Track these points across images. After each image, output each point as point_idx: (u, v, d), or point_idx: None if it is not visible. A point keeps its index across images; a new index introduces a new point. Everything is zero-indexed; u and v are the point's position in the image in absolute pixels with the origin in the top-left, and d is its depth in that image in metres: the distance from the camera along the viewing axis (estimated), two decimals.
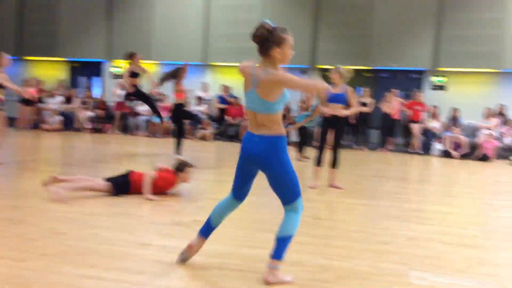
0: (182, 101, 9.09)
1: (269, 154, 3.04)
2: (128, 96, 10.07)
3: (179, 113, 9.05)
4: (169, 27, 16.00)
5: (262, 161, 3.07)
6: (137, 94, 9.73)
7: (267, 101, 3.01)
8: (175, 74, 8.90)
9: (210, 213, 3.42)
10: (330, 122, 6.71)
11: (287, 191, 3.11)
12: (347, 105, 6.70)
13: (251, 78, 3.07)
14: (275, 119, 3.06)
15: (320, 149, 6.82)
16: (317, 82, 3.31)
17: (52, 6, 16.92)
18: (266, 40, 3.02)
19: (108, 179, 5.61)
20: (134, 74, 9.52)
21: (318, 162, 6.80)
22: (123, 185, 5.58)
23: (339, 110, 6.62)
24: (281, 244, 3.12)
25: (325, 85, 3.24)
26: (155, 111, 10.05)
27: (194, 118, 10.25)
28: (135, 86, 9.68)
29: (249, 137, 3.13)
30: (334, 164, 6.84)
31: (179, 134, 8.98)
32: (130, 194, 5.52)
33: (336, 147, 6.82)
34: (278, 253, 3.12)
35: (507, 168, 10.81)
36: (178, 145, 8.85)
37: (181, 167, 5.74)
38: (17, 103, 14.08)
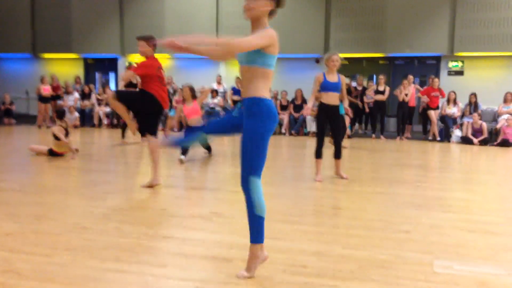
0: None
1: None
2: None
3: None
4: (180, 20, 16.03)
5: None
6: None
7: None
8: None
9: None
10: (327, 111, 6.43)
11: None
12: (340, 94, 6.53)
13: None
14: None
15: (319, 140, 6.52)
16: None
17: (64, 3, 17.02)
18: None
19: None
20: (131, 84, 9.84)
21: (319, 154, 6.51)
22: None
23: (342, 101, 6.45)
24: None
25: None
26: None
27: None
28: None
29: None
30: (336, 154, 6.60)
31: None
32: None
33: (336, 137, 6.59)
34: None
35: None
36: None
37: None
38: (36, 101, 14.25)
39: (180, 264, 3.28)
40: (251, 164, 2.97)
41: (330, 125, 6.50)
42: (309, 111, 6.66)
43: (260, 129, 2.96)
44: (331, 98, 6.41)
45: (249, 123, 2.97)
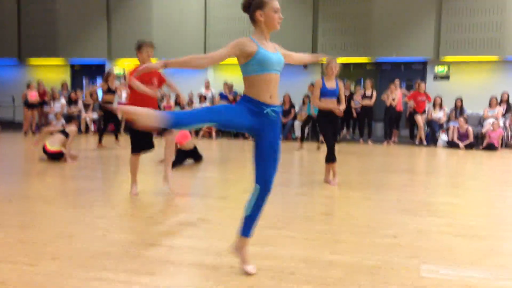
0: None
1: None
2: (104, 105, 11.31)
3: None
4: (168, 25, 16.03)
5: None
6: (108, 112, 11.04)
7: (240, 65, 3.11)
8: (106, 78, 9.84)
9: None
10: (328, 117, 6.50)
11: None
12: (338, 99, 6.62)
13: None
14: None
15: (329, 144, 6.55)
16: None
17: (50, 8, 16.90)
18: (249, 6, 3.13)
19: None
20: (109, 91, 11.03)
21: (331, 158, 6.54)
22: None
23: (335, 106, 6.49)
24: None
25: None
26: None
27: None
28: (109, 102, 11.27)
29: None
30: (333, 158, 6.60)
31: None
32: None
33: (332, 141, 6.58)
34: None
35: None
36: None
37: None
38: (22, 107, 14.13)
39: (167, 272, 3.27)
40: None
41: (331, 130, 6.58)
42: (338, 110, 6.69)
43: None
44: (329, 104, 6.47)
45: (274, 132, 3.17)
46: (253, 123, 3.06)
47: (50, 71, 17.95)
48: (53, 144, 8.43)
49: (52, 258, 3.48)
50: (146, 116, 2.79)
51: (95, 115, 14.88)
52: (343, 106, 6.65)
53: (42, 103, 15.27)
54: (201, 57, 2.96)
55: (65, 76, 17.86)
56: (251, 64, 3.03)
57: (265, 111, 3.07)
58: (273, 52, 3.13)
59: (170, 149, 5.69)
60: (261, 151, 3.15)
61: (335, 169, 6.65)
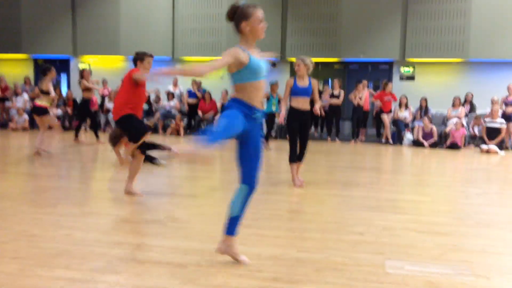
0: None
1: None
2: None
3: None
4: (135, 22, 15.81)
5: None
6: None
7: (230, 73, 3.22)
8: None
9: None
10: (298, 116, 6.39)
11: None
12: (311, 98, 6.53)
13: None
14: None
15: (293, 144, 6.44)
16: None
17: (14, 3, 16.42)
18: (234, 16, 3.20)
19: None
20: (87, 88, 11.08)
21: (295, 158, 6.44)
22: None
23: (311, 106, 6.49)
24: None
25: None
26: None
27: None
28: (88, 99, 11.34)
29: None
30: (300, 157, 6.54)
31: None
32: None
33: (304, 141, 6.52)
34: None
35: (476, 156, 11.08)
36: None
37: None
38: None
39: (134, 270, 3.22)
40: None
41: (299, 130, 6.42)
42: (282, 118, 6.69)
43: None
44: (301, 103, 6.38)
45: (259, 133, 3.32)
46: (245, 126, 3.18)
47: (13, 66, 17.43)
48: (41, 100, 8.87)
49: (14, 257, 3.38)
50: (200, 151, 2.99)
51: (59, 111, 14.54)
52: (318, 105, 6.62)
53: (3, 98, 14.83)
54: (203, 65, 3.03)
55: (29, 70, 17.39)
56: (243, 72, 3.14)
57: (255, 115, 3.21)
58: (261, 59, 3.26)
59: (137, 164, 5.64)
60: (247, 152, 3.28)
61: (299, 169, 6.53)
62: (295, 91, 6.38)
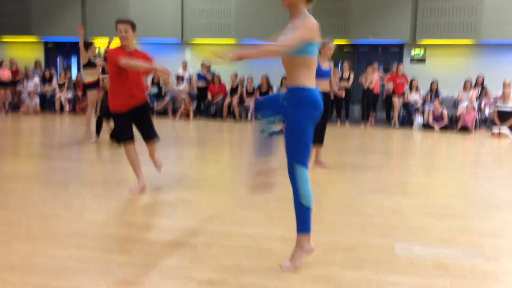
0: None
1: None
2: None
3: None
4: (144, 3, 15.72)
5: None
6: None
7: None
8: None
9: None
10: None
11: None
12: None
13: None
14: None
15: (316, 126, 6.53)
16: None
17: None
18: None
19: None
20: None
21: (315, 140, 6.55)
22: None
23: (336, 89, 6.52)
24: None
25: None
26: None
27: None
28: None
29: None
30: (320, 140, 6.65)
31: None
32: None
33: (324, 123, 6.60)
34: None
35: (486, 139, 10.99)
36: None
37: None
38: None
39: (144, 250, 3.26)
40: (297, 153, 2.97)
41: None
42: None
43: (304, 118, 2.94)
44: (323, 85, 6.38)
45: (293, 112, 2.95)
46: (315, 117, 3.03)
47: (23, 49, 17.48)
48: (88, 77, 8.80)
49: (26, 237, 3.43)
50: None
51: (69, 95, 14.59)
52: (336, 88, 6.65)
53: (15, 81, 14.90)
54: (282, 43, 2.83)
55: (39, 54, 17.43)
56: (312, 46, 2.94)
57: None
58: None
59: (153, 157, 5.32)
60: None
61: (321, 152, 6.66)
62: (319, 74, 6.35)
